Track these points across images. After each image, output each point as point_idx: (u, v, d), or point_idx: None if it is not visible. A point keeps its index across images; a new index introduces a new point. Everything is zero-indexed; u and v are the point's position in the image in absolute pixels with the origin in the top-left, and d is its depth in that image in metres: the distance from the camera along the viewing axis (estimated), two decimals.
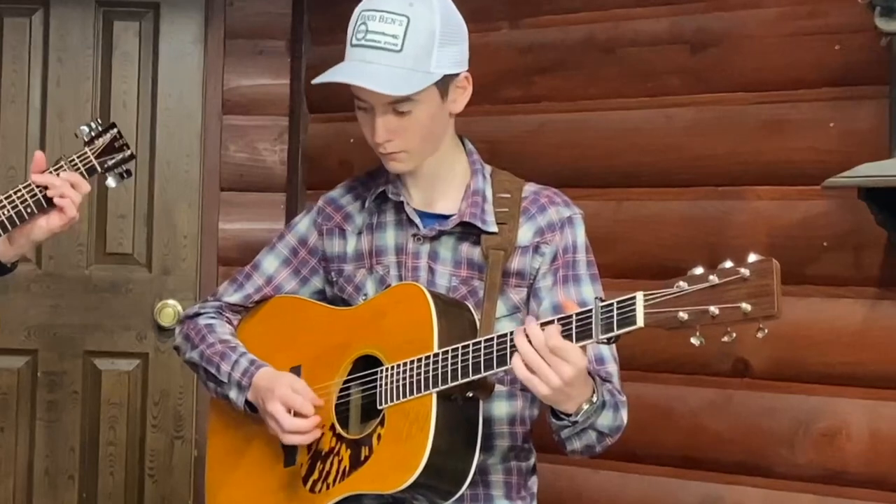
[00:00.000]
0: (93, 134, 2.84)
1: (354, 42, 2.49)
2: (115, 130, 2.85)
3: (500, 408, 2.57)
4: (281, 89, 4.29)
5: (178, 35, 4.31)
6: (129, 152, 2.86)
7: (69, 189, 2.73)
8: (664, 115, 3.49)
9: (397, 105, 2.48)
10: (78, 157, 2.80)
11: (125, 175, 2.87)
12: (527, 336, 2.29)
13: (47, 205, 2.73)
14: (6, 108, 4.27)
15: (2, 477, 4.28)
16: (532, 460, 2.66)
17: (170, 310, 4.27)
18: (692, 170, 3.44)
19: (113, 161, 2.84)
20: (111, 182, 2.86)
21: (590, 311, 2.26)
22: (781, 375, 3.27)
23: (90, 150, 2.82)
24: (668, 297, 2.17)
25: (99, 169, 2.82)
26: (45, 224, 2.76)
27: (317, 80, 2.52)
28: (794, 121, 3.28)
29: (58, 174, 2.74)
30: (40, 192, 2.73)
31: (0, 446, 4.28)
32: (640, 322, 2.19)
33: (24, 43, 4.29)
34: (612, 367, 2.52)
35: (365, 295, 2.62)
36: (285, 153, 4.29)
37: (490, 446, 2.56)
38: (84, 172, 2.80)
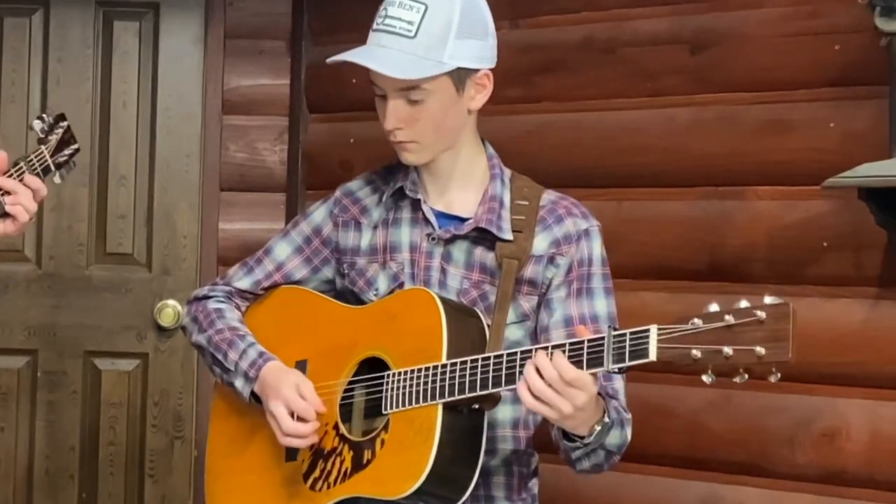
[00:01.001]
0: (46, 128, 2.82)
1: (374, 27, 2.51)
2: (66, 123, 2.84)
3: (505, 412, 2.57)
4: (281, 89, 4.29)
5: (178, 35, 4.31)
6: (76, 146, 2.84)
7: (27, 199, 2.71)
8: (664, 115, 3.49)
9: (409, 93, 2.48)
10: (35, 158, 2.77)
11: (71, 168, 2.84)
12: (536, 369, 2.27)
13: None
14: (6, 108, 4.27)
15: (2, 477, 4.28)
16: (534, 463, 2.66)
17: (170, 310, 4.27)
18: (692, 170, 3.44)
19: (64, 158, 2.82)
20: (58, 178, 2.83)
21: (602, 338, 2.25)
22: (781, 375, 3.26)
23: (46, 148, 2.79)
24: (683, 333, 2.16)
25: (53, 168, 2.79)
26: (2, 228, 2.75)
27: (330, 60, 2.53)
28: (794, 121, 3.28)
29: (21, 178, 2.72)
30: (2, 195, 2.72)
31: (0, 446, 4.28)
32: (653, 356, 2.19)
33: (24, 43, 4.29)
34: (619, 384, 2.51)
35: (376, 290, 2.61)
36: (285, 153, 4.29)
37: (493, 449, 2.56)
38: (40, 173, 2.78)
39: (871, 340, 3.14)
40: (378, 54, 2.47)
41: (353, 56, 2.49)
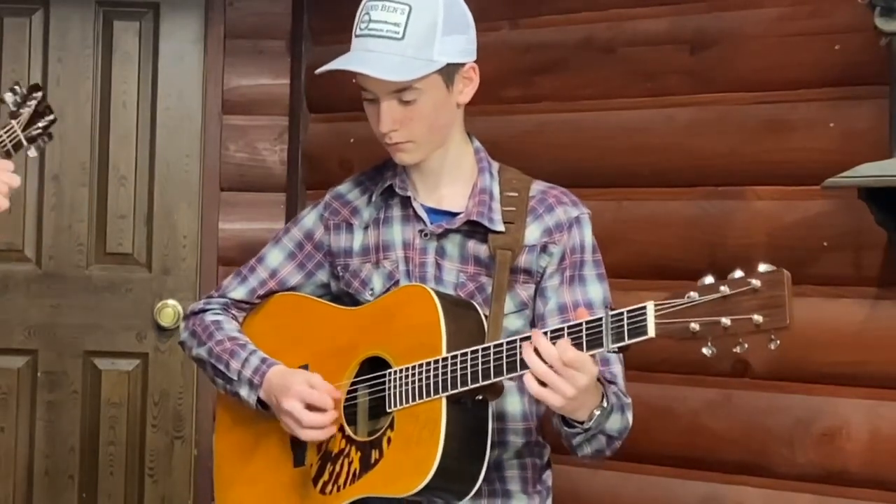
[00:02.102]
0: (18, 100, 2.78)
1: (358, 32, 2.50)
2: (39, 94, 2.80)
3: (514, 404, 2.58)
4: (281, 89, 4.29)
5: (178, 35, 4.31)
6: (52, 116, 2.81)
7: (1, 183, 2.68)
8: (664, 115, 3.49)
9: (401, 94, 2.48)
10: (6, 134, 2.75)
11: (48, 139, 2.80)
12: (536, 351, 2.28)
13: None
14: (6, 107, 4.26)
15: (2, 477, 4.28)
16: (546, 455, 2.67)
17: (170, 310, 4.27)
18: (692, 170, 3.44)
19: (38, 131, 2.78)
20: (33, 152, 2.79)
21: (600, 319, 2.25)
22: (781, 375, 3.27)
23: (17, 123, 2.76)
24: (680, 307, 2.17)
25: (25, 143, 2.76)
26: None
27: (319, 70, 2.52)
28: (794, 121, 3.28)
29: None
30: None
31: (0, 446, 4.28)
32: (652, 332, 2.19)
33: (24, 43, 4.29)
34: (617, 369, 2.52)
35: (371, 290, 2.61)
36: (285, 153, 4.29)
37: (504, 442, 2.57)
38: (11, 150, 2.74)
39: (871, 340, 3.14)
40: (369, 59, 2.46)
41: (344, 63, 2.49)
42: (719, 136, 3.39)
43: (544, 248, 2.56)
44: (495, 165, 2.64)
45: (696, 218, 3.42)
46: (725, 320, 2.13)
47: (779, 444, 3.26)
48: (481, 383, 2.37)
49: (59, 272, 4.30)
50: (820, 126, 3.23)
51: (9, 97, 2.79)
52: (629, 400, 2.50)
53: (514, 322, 2.55)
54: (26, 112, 2.78)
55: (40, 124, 2.79)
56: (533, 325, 2.57)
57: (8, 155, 2.74)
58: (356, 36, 2.50)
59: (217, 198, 4.30)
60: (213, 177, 4.30)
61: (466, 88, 2.56)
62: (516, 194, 2.59)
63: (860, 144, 3.12)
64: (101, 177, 4.30)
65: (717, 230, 3.38)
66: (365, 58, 2.47)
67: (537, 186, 2.63)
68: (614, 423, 2.42)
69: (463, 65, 2.53)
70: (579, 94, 3.63)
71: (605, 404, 2.36)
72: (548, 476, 2.67)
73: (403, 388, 2.44)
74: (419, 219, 2.59)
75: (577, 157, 3.60)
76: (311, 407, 2.51)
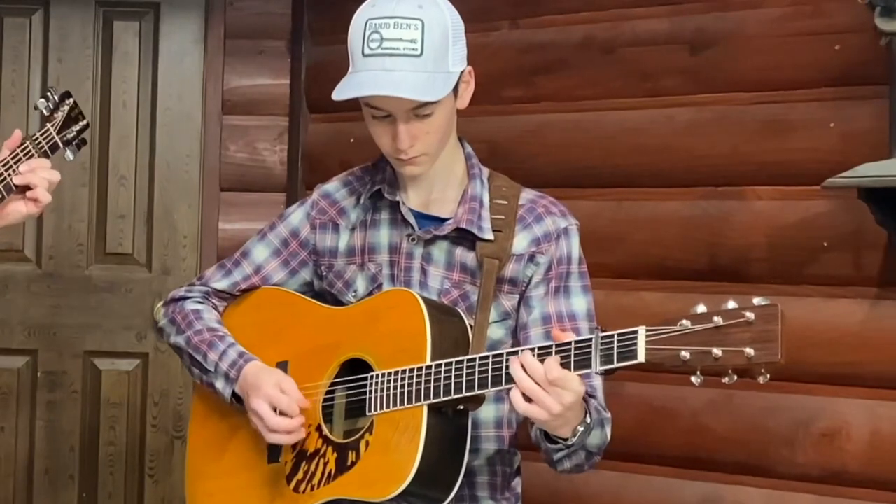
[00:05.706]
0: (51, 106, 2.80)
1: (368, 51, 2.45)
2: (72, 100, 2.82)
3: (488, 411, 2.56)
4: (281, 89, 4.29)
5: (178, 35, 4.31)
6: (85, 121, 2.82)
7: (41, 179, 2.68)
8: (664, 115, 3.49)
9: (419, 110, 2.45)
10: (42, 136, 2.75)
11: (82, 144, 2.83)
12: (523, 367, 2.27)
13: (16, 189, 2.67)
14: (6, 108, 4.28)
15: (2, 477, 4.28)
16: (517, 463, 2.66)
17: None
18: (692, 170, 3.44)
19: (72, 134, 2.80)
20: (70, 155, 2.81)
21: (589, 340, 2.25)
22: (781, 375, 3.23)
23: (51, 125, 2.77)
24: (671, 334, 2.16)
25: (61, 145, 2.77)
26: (24, 209, 2.68)
27: (340, 96, 2.48)
28: (794, 121, 3.28)
29: (27, 158, 2.68)
30: (8, 175, 2.69)
31: (0, 446, 4.28)
32: (641, 357, 2.18)
33: (24, 43, 4.29)
34: (597, 382, 2.50)
35: (355, 291, 2.60)
36: (285, 153, 4.29)
37: (476, 449, 2.56)
38: (48, 150, 2.76)
39: (871, 340, 3.14)
40: (393, 80, 2.42)
41: (369, 88, 2.44)
42: (719, 136, 3.39)
43: (532, 258, 2.55)
44: (485, 172, 2.63)
45: (696, 218, 3.42)
46: (717, 351, 2.12)
47: (779, 444, 3.26)
48: (465, 394, 2.37)
49: (59, 272, 4.30)
50: (820, 126, 3.23)
51: (41, 103, 2.82)
52: (608, 415, 2.49)
53: (495, 332, 2.54)
54: (60, 115, 2.81)
55: (74, 128, 2.82)
56: (515, 334, 2.57)
57: (45, 156, 2.76)
58: (366, 55, 2.45)
59: (217, 198, 4.30)
60: (213, 177, 4.30)
61: (465, 93, 2.54)
62: (505, 202, 2.57)
63: (860, 144, 3.11)
64: (101, 177, 4.31)
65: (717, 230, 3.38)
66: (389, 79, 2.42)
67: (526, 195, 2.61)
68: (595, 439, 2.41)
69: (463, 70, 2.53)
70: (579, 94, 3.63)
71: (588, 420, 2.36)
72: (517, 483, 2.66)
73: (385, 392, 2.43)
74: (407, 223, 2.57)
75: (577, 157, 3.60)
76: (279, 411, 2.51)
